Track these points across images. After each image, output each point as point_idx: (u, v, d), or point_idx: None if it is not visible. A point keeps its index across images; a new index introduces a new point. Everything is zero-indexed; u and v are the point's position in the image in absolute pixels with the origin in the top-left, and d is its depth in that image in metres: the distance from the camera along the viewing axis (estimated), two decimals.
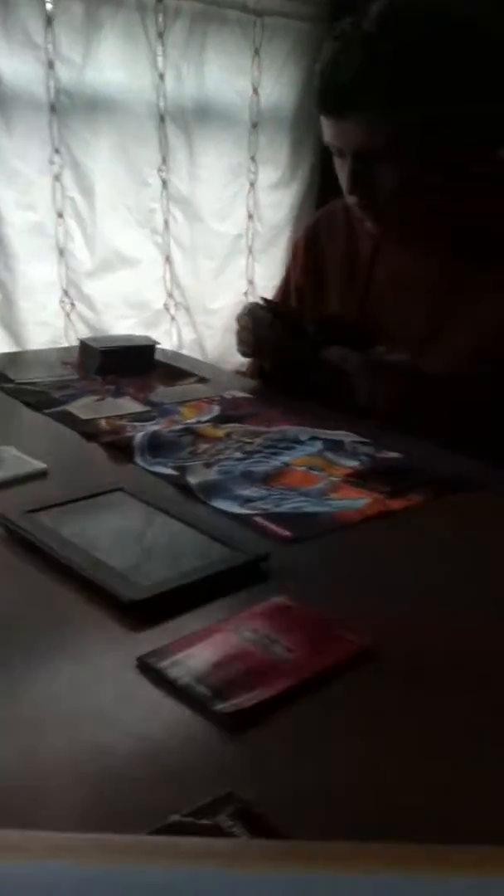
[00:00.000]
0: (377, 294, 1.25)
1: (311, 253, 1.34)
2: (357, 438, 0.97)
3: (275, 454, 0.92)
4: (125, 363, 1.33)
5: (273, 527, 0.72)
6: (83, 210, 1.79)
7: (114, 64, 1.67)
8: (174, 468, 0.89)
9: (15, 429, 1.06)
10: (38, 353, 1.56)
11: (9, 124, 1.78)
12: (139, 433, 0.99)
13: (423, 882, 0.28)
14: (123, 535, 0.70)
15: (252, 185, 2.00)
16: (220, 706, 0.46)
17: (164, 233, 1.89)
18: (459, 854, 0.29)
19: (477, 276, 1.11)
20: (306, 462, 0.89)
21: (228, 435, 0.99)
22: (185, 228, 1.90)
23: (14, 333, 2.00)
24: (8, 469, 0.84)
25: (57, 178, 1.85)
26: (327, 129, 1.10)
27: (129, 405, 1.17)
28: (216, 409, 1.11)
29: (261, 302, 1.26)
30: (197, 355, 1.89)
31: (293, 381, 1.27)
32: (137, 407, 1.15)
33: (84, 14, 1.67)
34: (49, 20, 1.65)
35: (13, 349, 1.89)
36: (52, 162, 1.77)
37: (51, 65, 1.67)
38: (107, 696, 0.50)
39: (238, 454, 0.92)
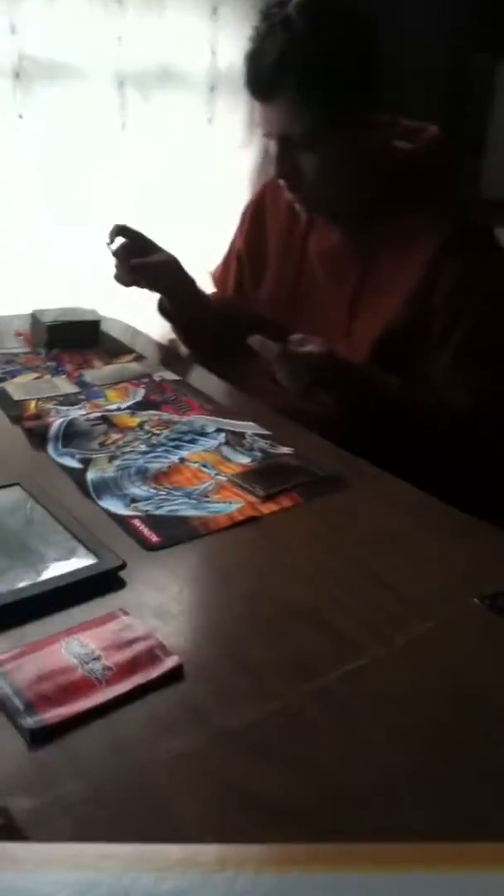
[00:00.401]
0: (310, 269, 1.28)
1: (255, 221, 1.36)
2: (259, 430, 1.01)
3: (177, 447, 0.97)
4: (71, 337, 1.37)
5: (146, 531, 0.77)
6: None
7: (74, 30, 1.66)
8: (80, 460, 0.93)
9: None
10: None
11: None
12: (59, 419, 1.03)
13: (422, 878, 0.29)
14: (2, 537, 0.75)
15: (210, 148, 2.00)
16: (27, 720, 0.52)
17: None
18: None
19: (395, 256, 1.14)
20: (201, 458, 0.93)
21: (141, 425, 1.03)
22: (144, 196, 1.90)
23: None
24: None
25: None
26: (257, 112, 1.12)
27: (63, 385, 1.21)
28: (140, 394, 1.15)
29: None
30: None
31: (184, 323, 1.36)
32: (70, 388, 1.20)
33: None
34: None
35: None
36: (16, 129, 1.77)
37: (13, 30, 1.67)
38: None
39: (143, 447, 0.96)
